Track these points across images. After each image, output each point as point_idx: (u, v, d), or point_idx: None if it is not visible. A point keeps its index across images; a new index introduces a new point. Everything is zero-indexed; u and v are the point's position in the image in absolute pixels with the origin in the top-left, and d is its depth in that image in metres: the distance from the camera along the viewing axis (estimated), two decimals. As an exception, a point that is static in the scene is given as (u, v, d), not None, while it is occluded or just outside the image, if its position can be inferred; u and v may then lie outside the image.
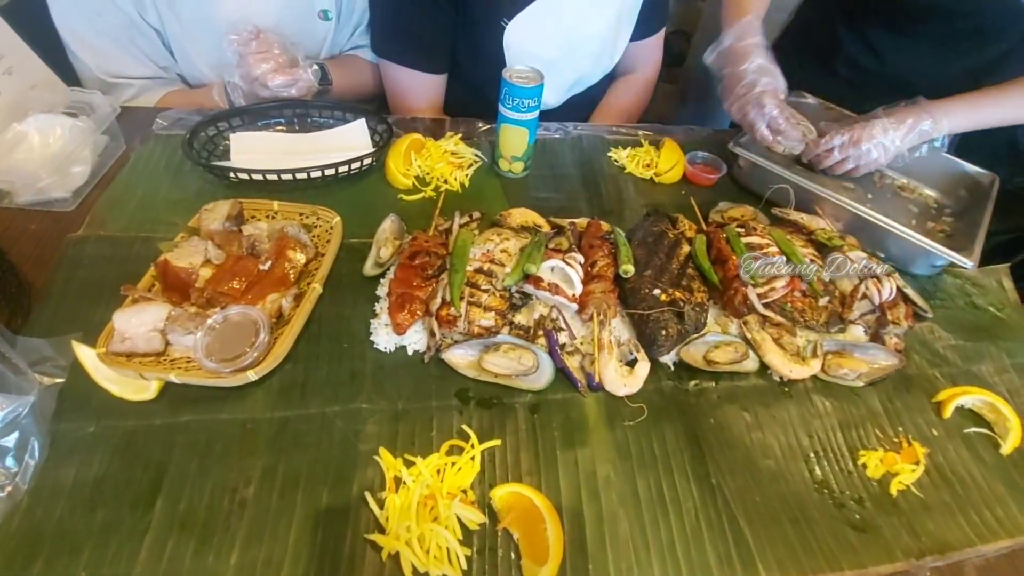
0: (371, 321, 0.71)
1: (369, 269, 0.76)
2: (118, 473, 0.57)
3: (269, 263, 0.70)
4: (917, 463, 0.66)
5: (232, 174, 0.84)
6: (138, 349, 0.62)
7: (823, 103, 1.11)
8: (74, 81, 0.99)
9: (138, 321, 0.62)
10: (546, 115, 0.93)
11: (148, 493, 0.55)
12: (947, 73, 1.10)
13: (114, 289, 0.69)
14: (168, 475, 0.57)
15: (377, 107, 1.25)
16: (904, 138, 0.90)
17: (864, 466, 0.66)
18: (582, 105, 1.26)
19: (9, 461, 0.54)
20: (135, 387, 0.61)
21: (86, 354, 0.62)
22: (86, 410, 0.61)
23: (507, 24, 1.03)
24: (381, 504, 0.56)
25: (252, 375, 0.61)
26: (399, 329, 0.68)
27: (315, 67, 0.97)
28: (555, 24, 1.05)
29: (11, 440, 0.55)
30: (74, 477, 0.56)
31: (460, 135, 1.01)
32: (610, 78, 1.27)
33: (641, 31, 1.18)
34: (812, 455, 0.66)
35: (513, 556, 0.55)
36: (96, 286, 0.72)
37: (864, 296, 0.77)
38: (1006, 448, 0.69)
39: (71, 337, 0.64)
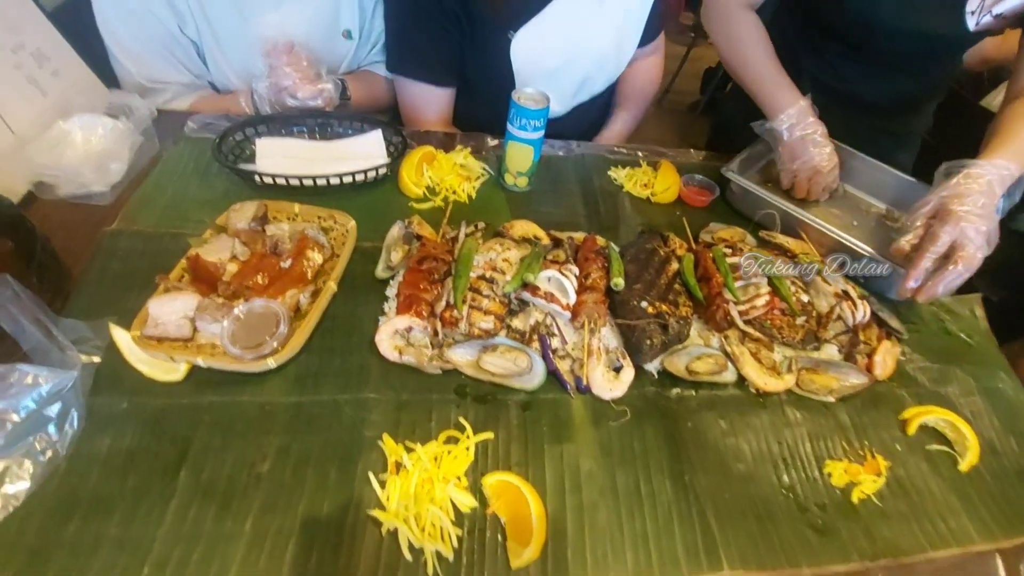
0: (379, 318, 0.77)
1: (381, 271, 0.82)
2: (147, 445, 0.62)
3: (290, 261, 0.77)
4: (879, 474, 0.72)
5: (257, 177, 0.90)
6: (169, 334, 0.68)
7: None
8: (113, 83, 1.07)
9: (170, 308, 0.69)
10: (553, 123, 0.99)
11: (174, 464, 0.61)
12: (905, 90, 1.17)
13: (145, 279, 0.75)
14: (192, 449, 0.63)
15: (391, 118, 1.32)
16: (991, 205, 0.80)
17: (829, 475, 0.71)
18: (589, 113, 1.32)
19: (51, 428, 0.60)
20: (165, 369, 0.67)
21: (121, 336, 0.68)
22: (120, 388, 0.67)
23: (513, 36, 1.09)
24: (383, 484, 0.62)
25: (272, 362, 0.67)
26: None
27: (336, 81, 1.04)
28: (560, 34, 1.11)
29: (54, 410, 0.61)
30: (108, 447, 0.62)
31: (469, 149, 1.08)
32: (615, 88, 1.33)
33: (644, 36, 1.24)
34: (781, 461, 0.72)
35: (500, 538, 0.60)
36: (128, 276, 0.78)
37: (839, 317, 0.83)
38: (963, 465, 0.74)
39: (107, 320, 0.71)
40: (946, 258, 0.79)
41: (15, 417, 0.59)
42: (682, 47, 3.57)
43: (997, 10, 0.92)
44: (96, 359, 0.68)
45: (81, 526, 0.56)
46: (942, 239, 0.79)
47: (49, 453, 0.59)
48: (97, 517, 0.57)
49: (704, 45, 3.97)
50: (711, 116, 3.46)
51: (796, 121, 1.00)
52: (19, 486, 0.57)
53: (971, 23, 0.95)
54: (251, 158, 0.98)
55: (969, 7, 0.94)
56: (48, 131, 0.88)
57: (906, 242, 0.83)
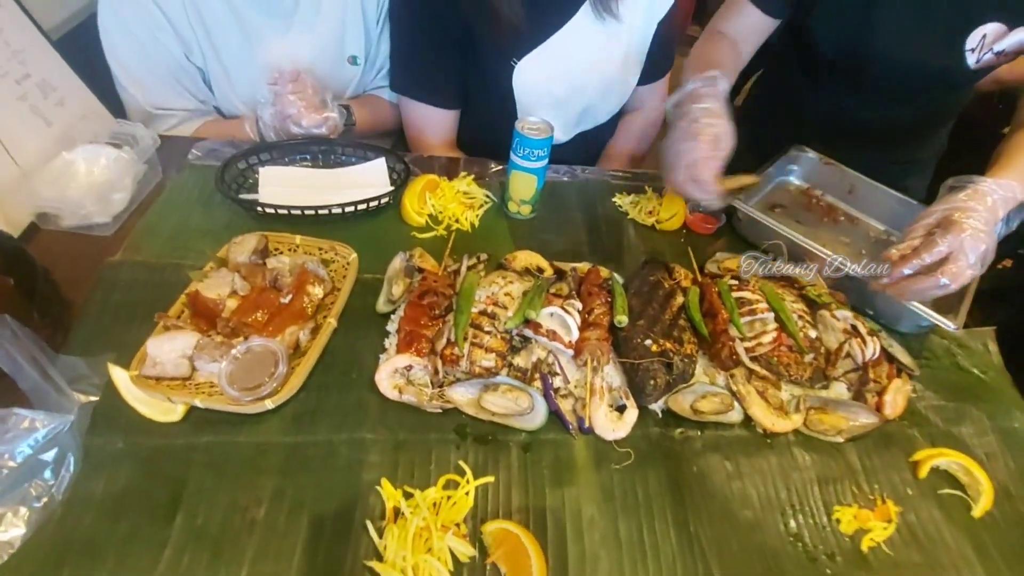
0: (380, 355, 0.76)
1: (382, 306, 0.81)
2: (142, 487, 0.62)
3: (290, 296, 0.76)
4: (889, 521, 0.69)
5: (259, 207, 0.90)
6: (167, 373, 0.68)
7: (822, 158, 1.15)
8: (119, 110, 1.07)
9: (169, 348, 0.68)
10: (556, 149, 0.98)
11: (168, 508, 0.61)
12: (906, 119, 1.15)
13: (146, 312, 0.75)
14: (187, 492, 0.62)
15: (395, 141, 1.32)
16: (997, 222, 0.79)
17: (838, 521, 0.69)
18: (591, 142, 1.32)
19: (47, 474, 0.60)
20: (162, 409, 0.66)
21: (119, 376, 0.68)
22: (116, 427, 0.66)
23: (516, 64, 1.09)
24: (380, 532, 0.60)
25: (269, 404, 0.66)
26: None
27: (341, 109, 1.04)
28: (563, 64, 1.11)
29: (50, 455, 0.60)
30: (103, 489, 0.61)
31: (473, 176, 1.07)
32: (619, 117, 1.32)
33: (649, 75, 1.24)
34: (789, 508, 0.70)
35: (499, 589, 0.59)
36: (130, 308, 0.78)
37: (848, 355, 0.81)
38: (977, 511, 0.72)
39: (106, 358, 0.70)
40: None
41: (11, 463, 0.58)
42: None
43: (999, 47, 0.90)
44: (94, 398, 0.67)
45: (73, 574, 0.55)
46: (939, 248, 0.76)
47: (45, 499, 0.59)
48: (88, 564, 0.56)
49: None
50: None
51: (682, 98, 0.88)
52: (14, 533, 0.57)
53: (971, 60, 0.94)
54: (254, 186, 0.98)
55: (969, 44, 0.92)
56: (52, 162, 0.89)
57: (898, 251, 0.80)
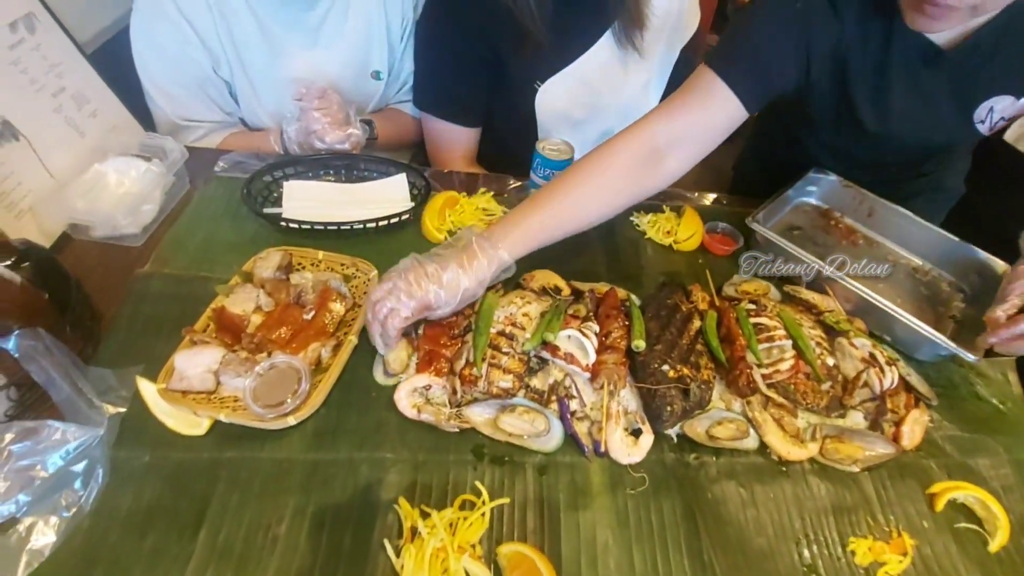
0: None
1: (380, 377, 0.80)
2: (167, 502, 0.63)
3: (312, 313, 0.78)
4: (905, 554, 0.69)
5: (283, 222, 0.92)
6: (193, 387, 0.69)
7: (842, 180, 1.14)
8: (148, 122, 1.10)
9: (195, 362, 0.70)
10: None
11: (193, 523, 0.62)
12: (921, 175, 1.14)
13: (173, 324, 0.77)
14: (211, 507, 0.63)
15: (414, 154, 1.34)
16: None
17: (853, 553, 0.69)
18: None
19: (77, 484, 0.62)
20: (188, 422, 0.68)
21: (147, 389, 0.70)
22: (143, 440, 0.68)
23: (540, 86, 1.10)
24: (398, 551, 0.62)
25: (292, 420, 0.68)
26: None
27: (363, 125, 1.06)
28: (585, 88, 1.12)
29: (80, 467, 0.62)
30: (129, 503, 0.63)
31: (492, 193, 1.08)
32: None
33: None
34: (803, 537, 0.70)
35: (514, 612, 0.60)
36: (158, 321, 0.80)
37: (865, 384, 0.81)
38: (993, 546, 0.71)
39: (134, 371, 0.72)
40: None
41: (43, 473, 0.60)
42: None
43: (1009, 114, 0.90)
44: (122, 410, 0.69)
45: (101, 586, 0.57)
46: None
47: (74, 509, 0.61)
48: (117, 576, 0.58)
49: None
50: (732, 143, 3.45)
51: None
52: (44, 541, 0.59)
53: (983, 129, 0.93)
54: (278, 200, 0.99)
55: (977, 117, 0.91)
56: (84, 174, 0.91)
57: (1003, 311, 0.79)
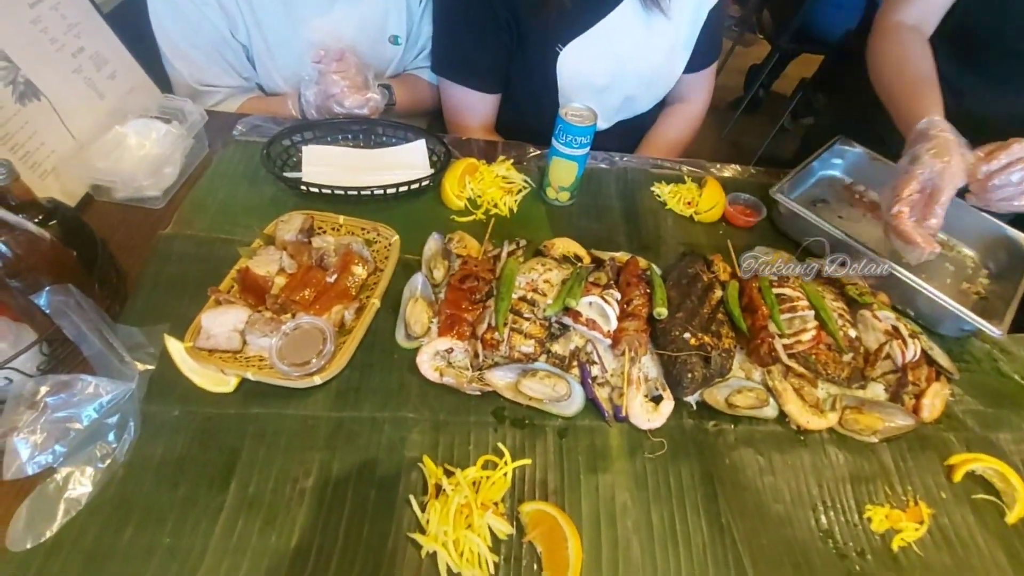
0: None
1: (402, 340, 0.80)
2: (197, 455, 0.65)
3: (335, 276, 0.78)
4: (921, 522, 0.70)
5: (303, 186, 0.92)
6: (219, 346, 0.70)
7: (870, 152, 1.12)
8: (165, 86, 1.09)
9: (221, 321, 0.71)
10: (596, 136, 0.96)
11: (223, 475, 0.64)
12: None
13: (197, 284, 0.78)
14: (241, 460, 0.65)
15: (431, 121, 1.32)
16: None
17: (869, 520, 0.70)
18: (632, 131, 1.30)
19: (111, 437, 0.63)
20: (215, 380, 0.69)
21: (175, 347, 0.71)
22: (172, 396, 0.69)
23: (561, 50, 1.08)
24: (423, 507, 0.63)
25: (318, 379, 0.68)
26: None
27: (383, 89, 1.05)
28: (609, 52, 1.09)
29: (113, 420, 0.63)
30: (160, 455, 0.64)
31: (512, 160, 1.07)
32: (661, 106, 1.30)
33: (695, 63, 1.21)
34: (820, 504, 0.70)
35: (536, 567, 0.61)
36: (182, 280, 0.81)
37: (887, 356, 0.81)
38: (1011, 517, 0.72)
39: (161, 328, 0.73)
40: None
41: (78, 425, 0.62)
42: (727, 41, 3.46)
43: None
44: (151, 367, 0.70)
45: (135, 534, 0.59)
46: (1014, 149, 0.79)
47: (108, 460, 0.62)
48: (151, 525, 0.60)
49: (751, 40, 3.85)
50: (753, 115, 3.36)
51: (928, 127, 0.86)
52: (81, 490, 0.60)
53: None
54: (297, 164, 0.99)
55: None
56: (105, 135, 0.91)
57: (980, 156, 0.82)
